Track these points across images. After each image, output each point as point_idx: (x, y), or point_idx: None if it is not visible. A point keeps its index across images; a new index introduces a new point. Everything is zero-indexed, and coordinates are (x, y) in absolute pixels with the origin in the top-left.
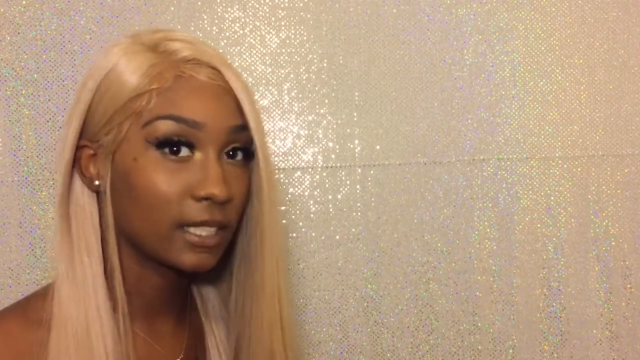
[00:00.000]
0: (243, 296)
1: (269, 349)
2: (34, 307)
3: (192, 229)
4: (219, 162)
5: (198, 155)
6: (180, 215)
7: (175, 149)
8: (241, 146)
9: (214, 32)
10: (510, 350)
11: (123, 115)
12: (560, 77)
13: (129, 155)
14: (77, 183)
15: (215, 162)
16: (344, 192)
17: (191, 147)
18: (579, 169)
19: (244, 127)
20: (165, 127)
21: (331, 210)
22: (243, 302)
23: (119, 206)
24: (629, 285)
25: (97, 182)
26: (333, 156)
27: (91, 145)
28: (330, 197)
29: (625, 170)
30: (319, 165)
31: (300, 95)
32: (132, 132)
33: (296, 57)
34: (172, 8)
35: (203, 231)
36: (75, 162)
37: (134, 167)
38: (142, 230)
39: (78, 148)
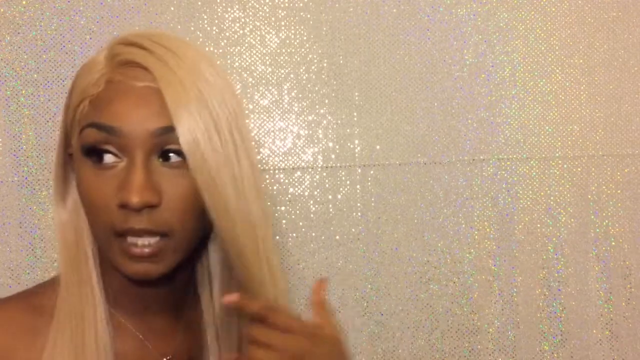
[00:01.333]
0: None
1: None
2: (38, 296)
3: (128, 238)
4: (144, 168)
5: (124, 162)
6: (110, 223)
7: (99, 156)
8: (176, 148)
9: (214, 32)
10: (510, 350)
11: (73, 123)
12: (560, 77)
13: (75, 163)
14: (72, 188)
15: (139, 168)
16: (344, 192)
17: (118, 153)
18: (579, 169)
19: (170, 129)
20: (90, 135)
21: (331, 210)
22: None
23: None
24: (629, 285)
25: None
26: (333, 156)
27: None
28: (330, 197)
29: (625, 170)
30: (319, 165)
31: (300, 95)
32: (75, 140)
33: (296, 57)
34: (172, 8)
35: (139, 240)
36: (71, 170)
37: (77, 176)
38: (95, 238)
39: (69, 155)
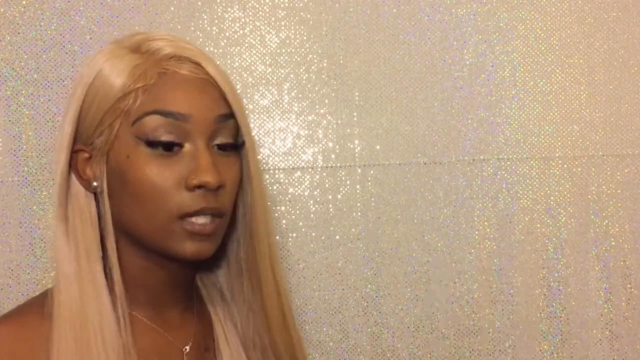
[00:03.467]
0: (242, 280)
1: (271, 324)
2: (48, 302)
3: (189, 219)
4: (208, 151)
5: (187, 147)
6: (177, 206)
7: (161, 144)
8: (230, 140)
9: (214, 32)
10: (510, 350)
11: (112, 115)
12: (560, 77)
13: (121, 153)
14: (75, 186)
15: (205, 151)
16: (344, 192)
17: (180, 140)
18: (579, 169)
19: (230, 116)
20: (153, 122)
21: (331, 210)
22: (242, 285)
23: (117, 204)
24: (629, 285)
25: (94, 184)
26: (333, 156)
27: (86, 149)
28: (330, 197)
29: (625, 170)
30: (319, 165)
31: (300, 95)
32: (123, 131)
33: (296, 57)
34: (172, 8)
35: (200, 219)
36: (72, 167)
37: (128, 164)
38: (142, 225)
39: (74, 152)
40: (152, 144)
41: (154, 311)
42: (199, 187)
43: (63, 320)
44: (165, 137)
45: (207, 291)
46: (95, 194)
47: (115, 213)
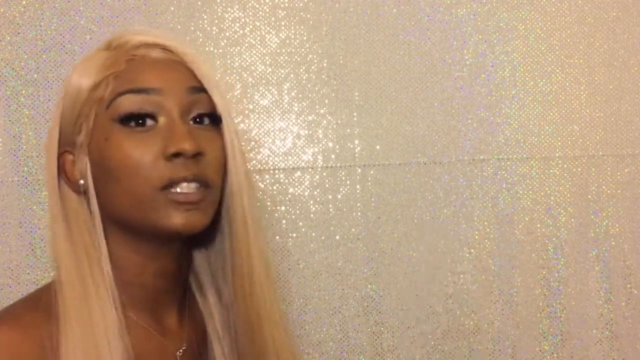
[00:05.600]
0: (233, 279)
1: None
2: (47, 302)
3: (173, 189)
4: (183, 122)
5: (162, 120)
6: (158, 178)
7: (140, 121)
8: (205, 111)
9: (214, 32)
10: (510, 350)
11: (87, 107)
12: (560, 77)
13: (100, 139)
14: (67, 191)
15: (180, 121)
16: (344, 192)
17: (154, 115)
18: (579, 169)
19: (201, 89)
20: (126, 102)
21: (331, 210)
22: (235, 285)
23: (104, 194)
24: (629, 285)
25: (81, 182)
26: (333, 156)
27: (71, 150)
28: (330, 197)
29: (625, 170)
30: (319, 165)
31: (300, 95)
32: (99, 118)
33: (296, 57)
34: (172, 8)
35: (184, 188)
36: (61, 171)
37: (107, 147)
38: (127, 205)
39: (60, 155)
40: (125, 119)
41: (149, 313)
42: (176, 155)
43: (70, 320)
44: (138, 111)
45: (201, 293)
46: (85, 194)
47: (103, 206)
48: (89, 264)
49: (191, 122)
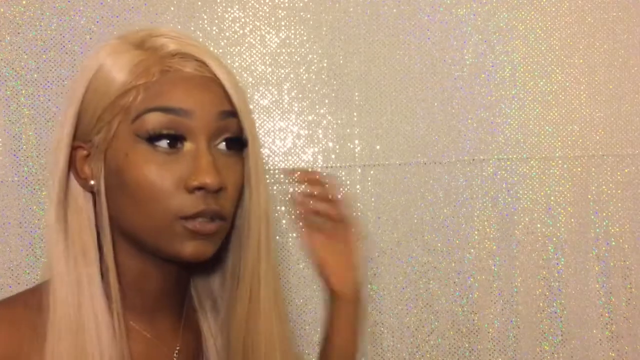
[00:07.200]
0: (236, 291)
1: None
2: (38, 298)
3: (190, 219)
4: (209, 151)
5: (188, 145)
6: (176, 208)
7: (161, 141)
8: (232, 136)
9: (214, 32)
10: (510, 350)
11: (112, 112)
12: (560, 77)
13: (120, 152)
14: (74, 185)
15: (206, 151)
16: (344, 192)
17: (181, 138)
18: (579, 169)
19: (232, 113)
20: (154, 119)
21: None
22: (236, 296)
23: (115, 204)
24: (629, 285)
25: (92, 182)
26: (333, 156)
27: (84, 146)
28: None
29: (625, 170)
30: (319, 165)
31: (300, 95)
32: (122, 129)
33: (296, 57)
34: (172, 8)
35: (201, 220)
36: (71, 164)
37: (126, 163)
38: (140, 225)
39: (72, 149)
40: (153, 138)
41: (146, 318)
42: (199, 188)
43: (59, 320)
44: (166, 132)
45: (200, 301)
46: (93, 194)
47: (112, 213)
48: (85, 264)
49: (217, 148)
